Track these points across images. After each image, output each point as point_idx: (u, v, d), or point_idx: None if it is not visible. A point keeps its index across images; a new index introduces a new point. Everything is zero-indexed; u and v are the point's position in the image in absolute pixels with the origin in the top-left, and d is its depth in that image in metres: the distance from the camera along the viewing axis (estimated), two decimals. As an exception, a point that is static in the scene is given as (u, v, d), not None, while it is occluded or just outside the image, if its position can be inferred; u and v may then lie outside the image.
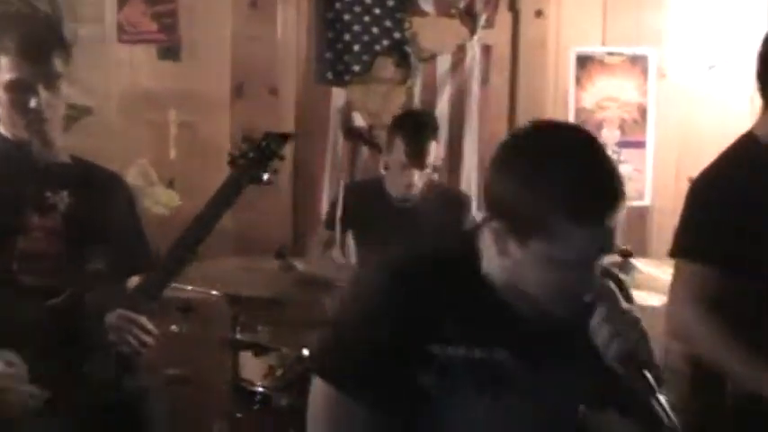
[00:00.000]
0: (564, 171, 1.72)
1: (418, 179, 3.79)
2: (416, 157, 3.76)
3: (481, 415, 1.83)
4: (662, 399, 1.71)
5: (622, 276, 2.08)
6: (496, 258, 1.81)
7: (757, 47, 2.74)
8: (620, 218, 1.75)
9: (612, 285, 1.82)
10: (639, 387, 1.72)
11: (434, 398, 1.80)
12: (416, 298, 1.81)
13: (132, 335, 2.53)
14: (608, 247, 1.77)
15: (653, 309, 4.30)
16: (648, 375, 1.72)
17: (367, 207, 3.89)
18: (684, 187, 4.61)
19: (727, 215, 2.56)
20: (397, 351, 1.78)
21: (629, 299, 1.95)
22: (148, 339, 2.56)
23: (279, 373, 3.41)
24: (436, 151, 3.89)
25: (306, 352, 3.37)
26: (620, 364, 1.73)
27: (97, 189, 2.77)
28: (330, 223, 4.01)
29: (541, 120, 1.87)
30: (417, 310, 1.80)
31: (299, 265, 3.62)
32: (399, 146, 3.78)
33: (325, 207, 4.47)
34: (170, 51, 4.53)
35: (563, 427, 1.97)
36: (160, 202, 4.48)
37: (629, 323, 1.76)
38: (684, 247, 2.68)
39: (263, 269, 3.57)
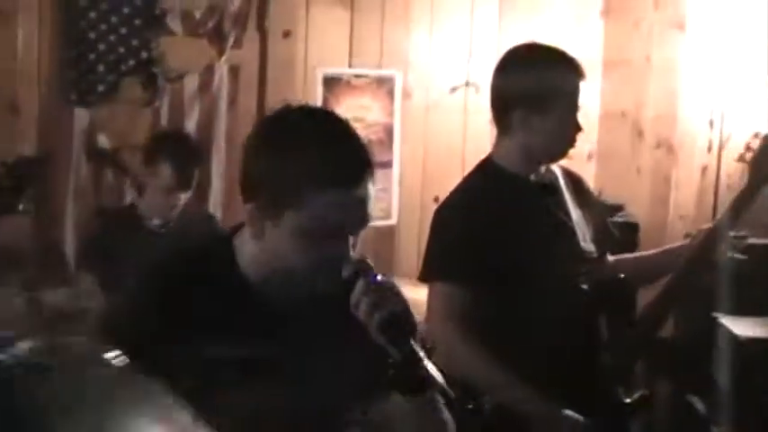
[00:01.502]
0: (313, 141, 1.86)
1: (184, 200, 3.90)
2: (186, 180, 3.87)
3: (252, 412, 1.86)
4: (430, 365, 1.82)
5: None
6: (253, 246, 1.92)
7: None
8: (371, 191, 1.88)
9: (370, 261, 1.91)
10: (406, 355, 1.81)
11: (202, 400, 1.84)
12: (169, 305, 1.88)
13: None
14: (361, 219, 1.89)
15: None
16: (414, 342, 1.82)
17: (122, 237, 3.91)
18: (430, 206, 5.04)
19: (473, 236, 2.84)
20: (153, 352, 1.78)
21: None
22: None
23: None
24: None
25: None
26: (384, 335, 1.81)
27: None
28: (84, 260, 4.00)
29: (291, 103, 2.02)
30: (171, 317, 1.86)
31: (49, 296, 3.60)
32: (164, 169, 3.85)
33: (69, 233, 4.45)
34: None
35: (339, 414, 2.02)
36: None
37: (387, 293, 1.85)
38: (436, 269, 2.92)
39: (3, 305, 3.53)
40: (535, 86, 2.88)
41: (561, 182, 3.05)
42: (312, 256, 1.87)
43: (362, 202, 1.88)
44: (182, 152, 3.92)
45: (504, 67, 2.99)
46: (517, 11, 5.49)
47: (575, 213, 3.03)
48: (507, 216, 2.87)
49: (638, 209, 5.28)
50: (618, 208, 5.07)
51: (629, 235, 4.92)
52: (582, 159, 5.51)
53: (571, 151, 2.99)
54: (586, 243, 3.02)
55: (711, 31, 4.88)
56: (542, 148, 2.93)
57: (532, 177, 2.96)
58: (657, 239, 5.14)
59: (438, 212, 3.00)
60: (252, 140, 1.94)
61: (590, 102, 5.49)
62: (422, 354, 1.82)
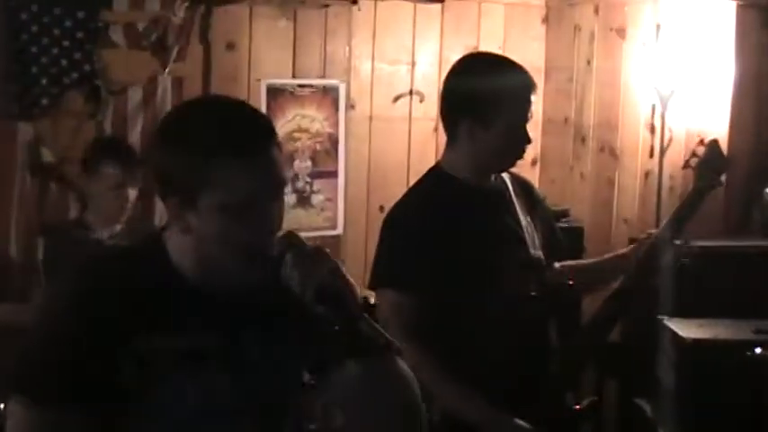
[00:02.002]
0: (209, 120, 1.88)
1: (131, 198, 3.89)
2: (132, 175, 3.90)
3: (194, 403, 1.88)
4: (368, 321, 1.85)
5: None
6: (182, 239, 1.91)
7: (439, 81, 3.06)
8: (277, 157, 1.88)
9: (298, 233, 1.91)
10: (343, 317, 1.83)
11: (141, 394, 1.85)
12: (103, 299, 1.86)
13: None
14: (274, 184, 1.89)
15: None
16: (349, 302, 1.83)
17: (70, 251, 3.89)
18: (375, 215, 5.08)
19: (420, 243, 2.86)
20: (90, 353, 1.82)
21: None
22: None
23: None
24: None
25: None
26: (321, 303, 1.82)
27: None
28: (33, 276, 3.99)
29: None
30: (104, 311, 1.84)
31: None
32: (109, 169, 3.89)
33: (13, 248, 4.44)
34: None
35: (287, 397, 2.02)
36: None
37: (316, 260, 1.84)
38: (383, 276, 2.95)
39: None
40: (480, 97, 2.91)
41: (510, 189, 3.09)
42: (237, 235, 1.86)
43: (271, 167, 1.88)
44: (123, 151, 3.96)
45: (452, 76, 3.02)
46: (459, 18, 5.57)
47: (524, 220, 3.06)
48: (455, 223, 2.90)
49: (582, 213, 5.37)
50: (563, 213, 5.15)
51: (574, 240, 5.00)
52: (526, 165, 5.60)
53: (515, 157, 3.01)
54: (535, 250, 3.05)
55: (651, 36, 4.98)
56: (488, 159, 2.96)
57: (481, 183, 2.99)
58: (602, 243, 5.24)
59: (386, 219, 3.02)
60: (154, 137, 1.99)
61: (533, 108, 5.58)
62: (364, 314, 1.84)
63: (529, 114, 2.95)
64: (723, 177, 3.13)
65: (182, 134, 1.88)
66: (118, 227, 3.95)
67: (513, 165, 3.05)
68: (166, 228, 1.98)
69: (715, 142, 3.15)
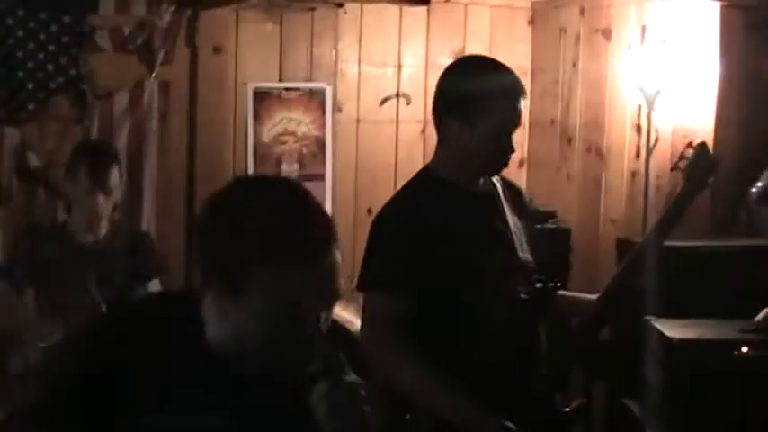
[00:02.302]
0: (265, 214, 1.74)
1: (104, 204, 3.85)
2: (100, 180, 3.81)
3: None
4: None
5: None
6: (218, 323, 1.80)
7: (426, 83, 3.06)
8: (336, 265, 1.75)
9: (342, 358, 1.81)
10: None
11: None
12: (128, 365, 1.77)
13: None
14: (325, 297, 1.78)
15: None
16: None
17: (54, 255, 3.88)
18: (363, 218, 5.10)
19: (410, 246, 2.85)
20: (105, 424, 1.74)
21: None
22: None
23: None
24: (119, 183, 3.95)
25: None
26: None
27: None
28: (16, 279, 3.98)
29: (244, 175, 1.94)
30: (128, 378, 1.76)
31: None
32: (81, 173, 3.84)
33: (1, 254, 4.44)
34: None
35: None
36: None
37: (348, 400, 1.77)
38: (371, 278, 2.94)
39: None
40: (467, 97, 2.91)
41: (500, 192, 3.09)
42: (275, 342, 1.77)
43: (325, 279, 1.76)
44: (94, 153, 3.93)
45: (443, 77, 3.03)
46: (445, 21, 5.60)
47: (512, 223, 3.06)
48: (444, 225, 2.89)
49: (569, 214, 5.40)
50: (549, 214, 5.18)
51: (561, 240, 5.03)
52: (513, 166, 5.62)
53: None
54: (524, 253, 3.05)
55: (637, 37, 5.02)
56: (473, 161, 2.96)
57: (470, 186, 2.99)
58: (589, 244, 5.28)
59: (374, 222, 3.01)
60: (203, 218, 1.83)
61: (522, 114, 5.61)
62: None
63: (517, 120, 2.94)
64: (711, 180, 3.12)
65: (238, 222, 1.75)
66: (103, 231, 3.94)
67: (497, 170, 3.05)
68: (203, 293, 1.85)
69: (704, 145, 3.13)
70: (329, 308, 1.81)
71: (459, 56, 4.98)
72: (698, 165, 3.08)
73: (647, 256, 3.07)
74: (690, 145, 3.15)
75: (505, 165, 3.01)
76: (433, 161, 3.06)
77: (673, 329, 3.39)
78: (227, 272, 1.75)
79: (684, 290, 3.56)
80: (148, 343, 1.80)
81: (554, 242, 4.77)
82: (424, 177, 3.06)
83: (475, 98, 2.90)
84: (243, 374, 1.80)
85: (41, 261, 3.91)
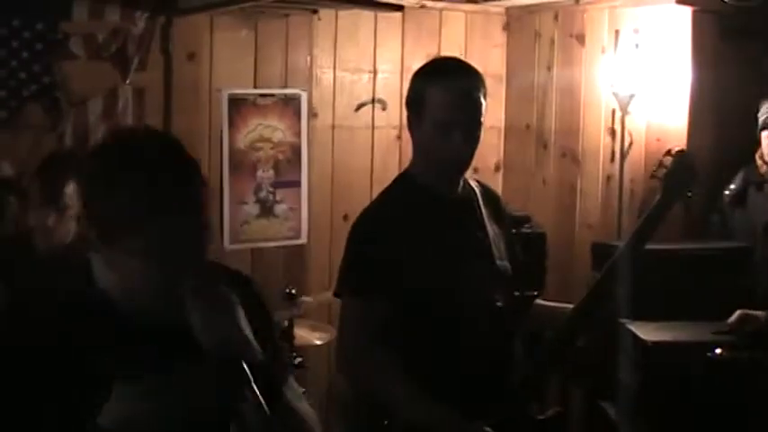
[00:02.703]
0: (132, 170, 1.87)
1: (58, 219, 3.77)
2: (51, 194, 3.70)
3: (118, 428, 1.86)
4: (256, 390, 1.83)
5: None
6: (105, 266, 1.94)
7: (401, 89, 3.05)
8: (200, 217, 1.91)
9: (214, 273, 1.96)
10: (236, 374, 1.84)
11: (69, 418, 1.86)
12: (30, 323, 1.91)
13: None
14: (194, 243, 1.91)
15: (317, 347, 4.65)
16: (244, 365, 1.84)
17: (11, 264, 3.81)
18: (339, 224, 5.12)
19: (388, 252, 2.85)
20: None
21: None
22: None
23: None
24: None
25: None
26: (217, 353, 1.84)
27: None
28: None
29: (118, 130, 2.05)
30: (32, 335, 1.89)
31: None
32: (35, 187, 3.78)
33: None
34: None
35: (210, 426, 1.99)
36: None
37: (220, 311, 1.88)
38: (347, 284, 2.94)
39: None
40: (413, 95, 2.93)
41: (479, 198, 3.08)
42: (155, 280, 1.90)
43: (190, 228, 1.90)
44: (47, 168, 3.84)
45: (411, 79, 3.03)
46: (420, 27, 5.62)
47: (491, 230, 3.06)
48: (422, 232, 2.89)
49: (545, 219, 5.43)
50: (525, 219, 5.20)
51: (536, 245, 5.05)
52: (489, 171, 5.66)
53: (479, 164, 3.01)
54: (502, 261, 3.04)
55: (610, 42, 5.05)
56: (433, 160, 2.93)
57: (448, 192, 2.98)
58: (565, 248, 5.31)
59: (352, 227, 3.01)
60: (83, 173, 2.00)
61: (495, 114, 5.65)
62: (249, 374, 1.84)
63: (460, 112, 2.88)
64: (689, 192, 3.07)
65: (104, 179, 1.89)
66: (67, 241, 3.89)
67: (457, 168, 2.99)
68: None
69: (683, 154, 3.09)
70: (198, 254, 1.93)
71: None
72: (676, 174, 3.03)
73: (623, 267, 3.06)
74: (669, 153, 3.10)
75: (464, 161, 2.96)
76: (409, 166, 3.07)
77: (647, 332, 3.41)
78: (108, 225, 1.87)
79: (658, 292, 3.58)
80: (48, 298, 1.97)
81: (529, 247, 4.78)
82: (401, 183, 3.07)
83: (420, 91, 2.91)
84: (131, 313, 1.93)
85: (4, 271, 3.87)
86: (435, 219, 2.94)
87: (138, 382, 1.87)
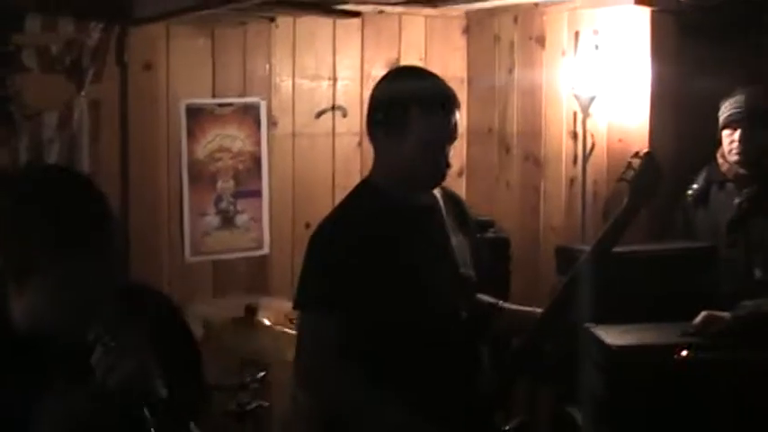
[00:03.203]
0: (38, 206, 1.90)
1: None
2: None
3: None
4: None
5: None
6: (17, 304, 1.96)
7: (361, 95, 3.02)
8: (109, 248, 1.93)
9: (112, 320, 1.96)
10: (138, 419, 1.87)
11: None
12: None
13: None
14: (101, 277, 1.93)
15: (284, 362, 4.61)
16: (146, 410, 1.88)
17: None
18: (301, 233, 5.09)
19: (349, 261, 2.82)
20: None
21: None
22: None
23: None
24: None
25: None
26: (120, 400, 1.88)
27: None
28: None
29: (29, 166, 2.08)
30: None
31: None
32: None
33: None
34: None
35: None
36: None
37: (123, 355, 1.90)
38: (307, 296, 2.91)
39: None
40: (393, 108, 2.89)
41: (441, 205, 3.06)
42: (61, 317, 1.94)
43: (96, 266, 1.92)
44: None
45: (375, 89, 3.01)
46: (380, 32, 5.61)
47: (454, 238, 3.04)
48: (384, 240, 2.86)
49: (509, 222, 5.43)
50: (488, 223, 5.19)
51: (500, 250, 5.04)
52: (453, 176, 5.63)
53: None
54: (466, 268, 3.03)
55: (570, 44, 5.06)
56: (405, 175, 2.93)
57: (411, 199, 2.96)
58: (530, 252, 5.30)
59: (312, 237, 2.97)
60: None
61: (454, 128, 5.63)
62: (150, 420, 1.87)
63: (447, 133, 2.91)
64: (656, 195, 3.09)
65: (19, 212, 1.91)
66: None
67: (431, 185, 3.01)
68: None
69: (651, 156, 3.10)
70: (103, 289, 1.96)
71: (395, 66, 5.00)
72: (644, 176, 3.03)
73: (589, 272, 3.05)
74: (637, 154, 3.10)
75: (441, 178, 2.98)
76: (371, 173, 3.04)
77: (612, 336, 3.40)
78: (13, 261, 1.90)
79: (623, 295, 3.57)
80: None
81: (493, 252, 4.77)
82: (362, 190, 3.04)
83: (402, 110, 2.87)
84: (39, 346, 1.96)
85: None
86: (398, 227, 2.91)
87: (39, 420, 1.88)
